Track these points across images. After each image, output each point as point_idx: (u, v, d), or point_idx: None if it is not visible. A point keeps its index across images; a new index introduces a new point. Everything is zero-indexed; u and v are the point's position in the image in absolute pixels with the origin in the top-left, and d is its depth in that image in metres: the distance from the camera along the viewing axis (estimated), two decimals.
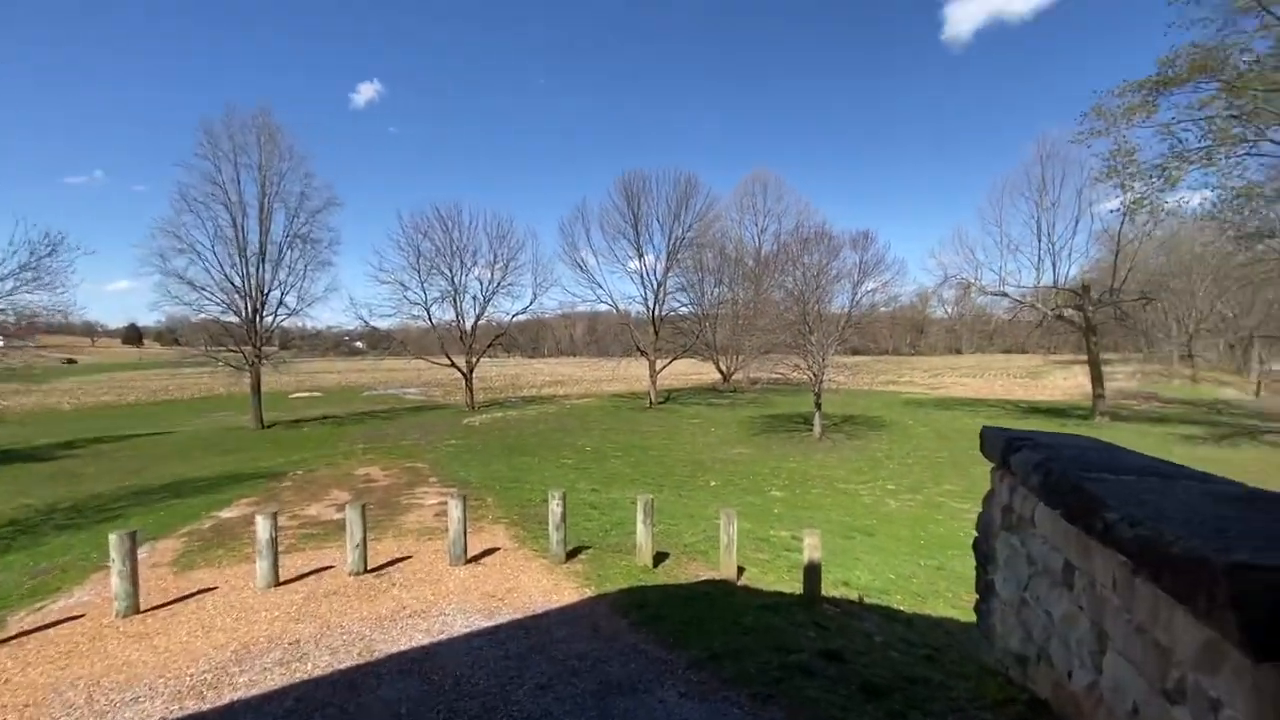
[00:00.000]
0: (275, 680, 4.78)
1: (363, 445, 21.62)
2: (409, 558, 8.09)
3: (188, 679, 4.91)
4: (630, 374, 47.55)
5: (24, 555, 9.19)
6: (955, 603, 8.52)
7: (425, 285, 36.04)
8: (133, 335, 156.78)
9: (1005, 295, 34.29)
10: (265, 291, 30.23)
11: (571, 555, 7.98)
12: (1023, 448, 3.81)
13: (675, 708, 4.03)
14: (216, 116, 29.54)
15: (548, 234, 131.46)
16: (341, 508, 10.28)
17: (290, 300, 31.16)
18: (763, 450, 22.48)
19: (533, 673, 4.64)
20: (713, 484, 16.97)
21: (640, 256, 39.62)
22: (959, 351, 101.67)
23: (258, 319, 30.13)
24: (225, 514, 11.36)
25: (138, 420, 33.83)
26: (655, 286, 39.23)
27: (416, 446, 21.04)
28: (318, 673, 4.87)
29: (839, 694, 3.96)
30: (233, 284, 29.38)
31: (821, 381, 24.68)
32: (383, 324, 37.38)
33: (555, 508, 7.80)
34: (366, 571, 7.47)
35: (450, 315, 37.16)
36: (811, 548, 6.68)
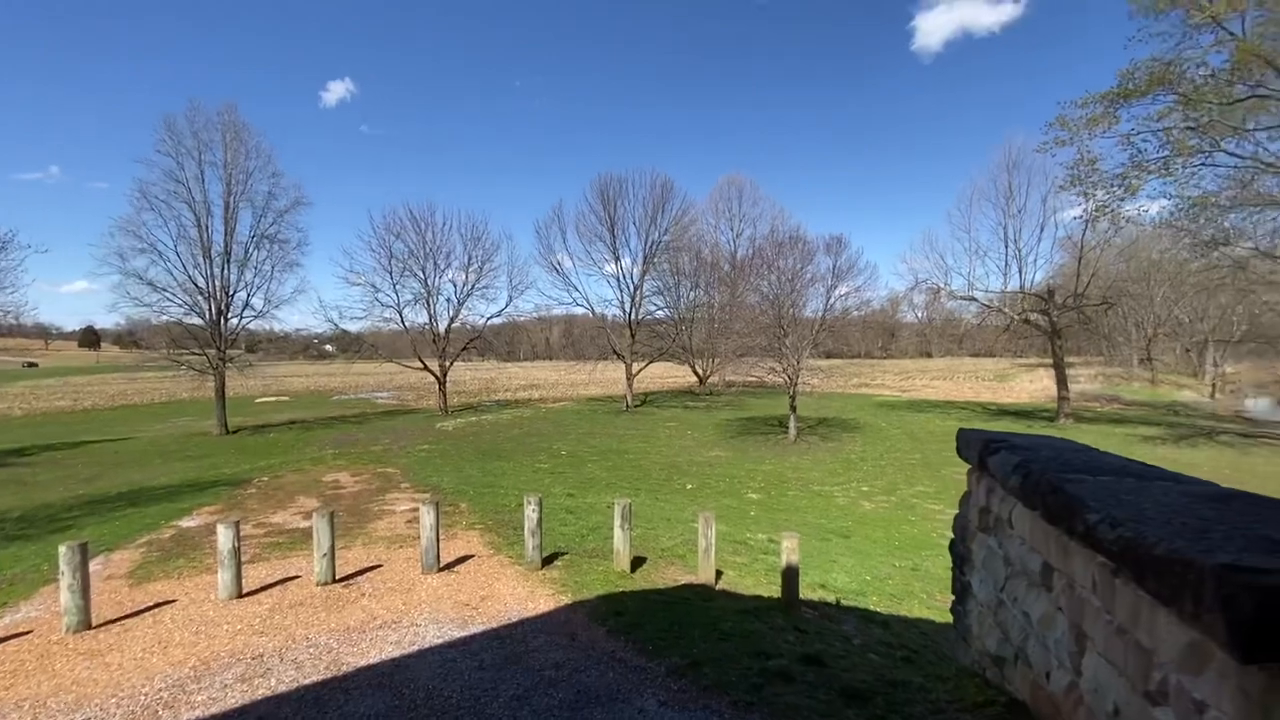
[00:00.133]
0: (236, 698, 4.57)
1: (332, 450, 21.11)
2: (379, 566, 7.87)
3: (142, 698, 4.67)
4: (607, 377, 47.43)
5: None
6: (930, 604, 8.59)
7: (397, 287, 35.53)
8: (90, 338, 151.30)
9: (974, 300, 35.06)
10: (230, 293, 29.45)
11: (547, 561, 7.84)
12: (1000, 449, 3.82)
13: (655, 717, 3.95)
14: (180, 112, 28.73)
15: (523, 237, 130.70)
16: (309, 515, 9.98)
17: (257, 302, 30.46)
18: (739, 453, 22.55)
19: (508, 684, 4.51)
20: (689, 487, 16.94)
21: (617, 260, 39.63)
22: (929, 355, 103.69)
23: (222, 321, 29.30)
24: (186, 523, 10.94)
25: (94, 426, 32.60)
26: (632, 290, 39.27)
27: (388, 452, 20.62)
28: (282, 688, 4.67)
29: (820, 699, 3.92)
30: (196, 285, 28.56)
31: (796, 384, 24.88)
32: (353, 327, 36.72)
33: (531, 513, 7.66)
34: (335, 581, 7.23)
35: (423, 318, 36.68)
36: (790, 551, 6.65)
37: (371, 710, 4.26)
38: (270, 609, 6.48)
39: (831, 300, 26.78)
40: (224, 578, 6.88)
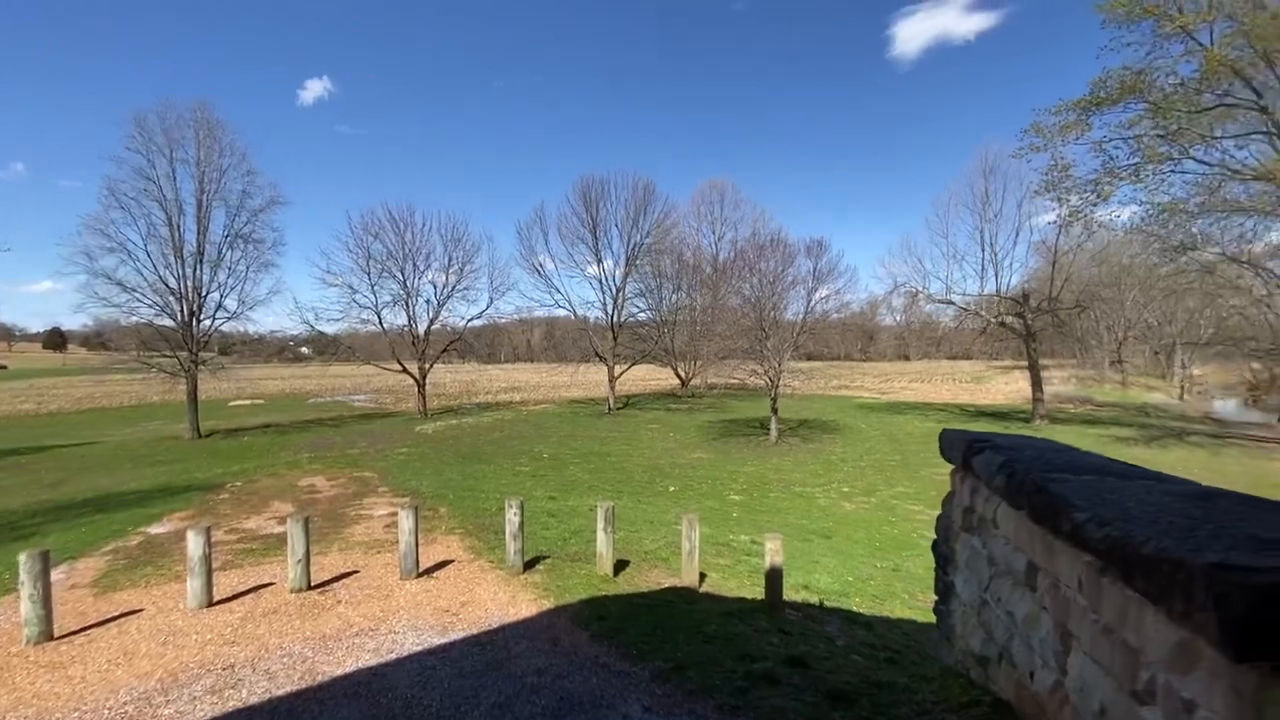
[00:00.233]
0: (205, 710, 4.41)
1: (308, 454, 20.72)
2: (356, 572, 7.70)
3: (106, 713, 4.48)
4: (589, 380, 47.26)
5: None
6: (911, 604, 8.63)
7: (376, 288, 34.98)
8: (55, 339, 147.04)
9: (951, 303, 35.58)
10: (203, 293, 28.78)
11: (529, 565, 7.74)
12: (985, 449, 3.82)
13: None
14: (150, 109, 28.06)
15: (504, 238, 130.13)
16: (283, 520, 9.74)
17: (230, 303, 29.80)
18: (721, 455, 22.58)
19: (489, 692, 4.41)
20: (672, 489, 16.91)
21: (599, 262, 39.54)
22: (907, 357, 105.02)
23: (194, 322, 28.63)
24: (155, 529, 10.63)
25: (60, 430, 31.65)
26: (614, 292, 39.19)
27: (365, 455, 20.29)
28: (254, 700, 4.52)
29: (806, 702, 3.89)
30: (167, 285, 27.88)
31: (778, 386, 25.00)
32: (330, 328, 36.08)
33: (512, 517, 7.55)
34: (310, 588, 7.06)
35: (402, 320, 36.19)
36: (773, 552, 6.63)
37: None
38: (242, 617, 6.29)
39: (812, 303, 27.02)
40: (194, 586, 6.68)
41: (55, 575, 7.93)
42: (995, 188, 33.69)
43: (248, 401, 45.92)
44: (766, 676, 4.29)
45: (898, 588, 9.48)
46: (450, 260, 36.61)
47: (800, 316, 26.91)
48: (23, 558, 5.88)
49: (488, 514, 11.02)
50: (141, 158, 27.02)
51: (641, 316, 42.99)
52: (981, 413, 34.92)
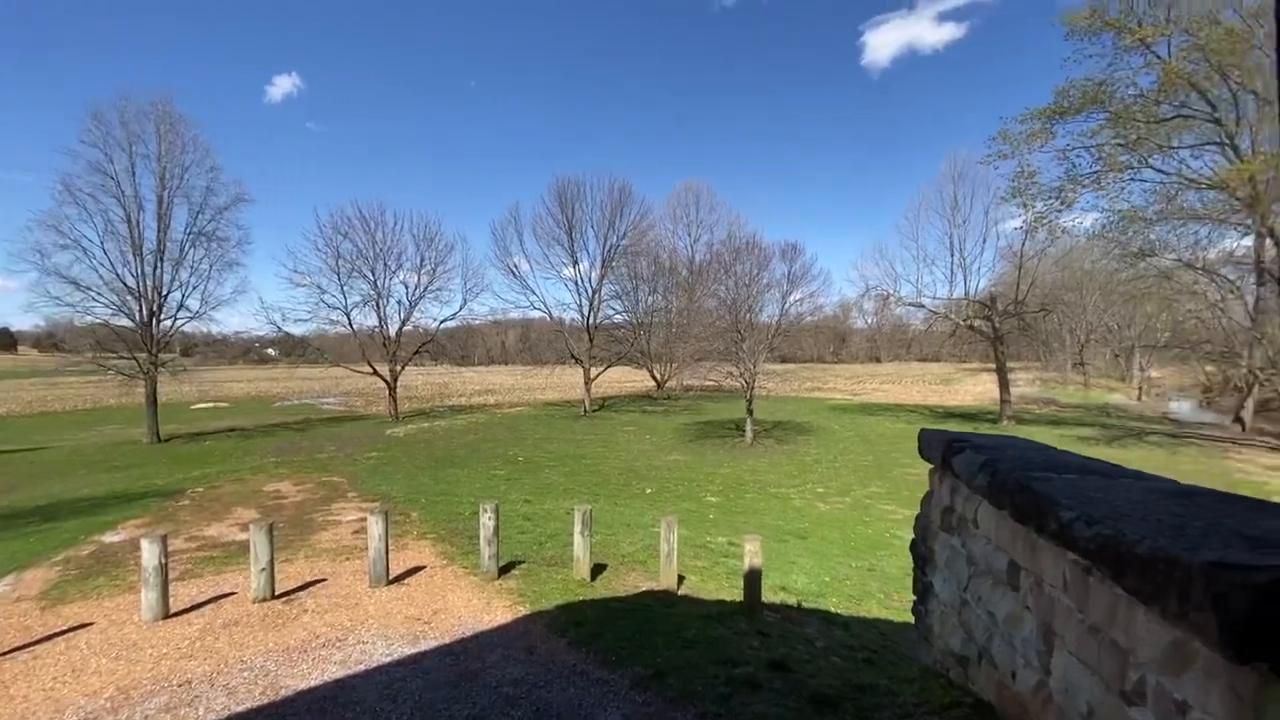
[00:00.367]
0: None
1: (273, 459, 20.15)
2: (323, 580, 7.44)
3: None
4: (564, 382, 46.99)
5: None
6: (887, 604, 8.68)
7: (345, 289, 34.27)
8: (4, 340, 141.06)
9: (922, 306, 36.27)
10: (163, 293, 27.84)
11: (504, 571, 7.56)
12: (965, 449, 3.80)
13: None
14: (109, 101, 27.07)
15: (479, 238, 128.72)
16: (247, 527, 9.40)
17: (192, 303, 28.88)
18: (697, 456, 22.58)
19: (462, 704, 4.25)
20: (648, 491, 16.83)
21: (575, 263, 39.33)
22: (878, 360, 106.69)
23: (154, 323, 27.66)
24: (109, 538, 10.17)
25: (9, 434, 30.26)
26: (590, 294, 39.01)
27: (334, 459, 19.80)
28: (211, 717, 4.30)
29: (789, 707, 3.82)
30: (125, 284, 26.88)
31: (753, 388, 25.12)
32: (298, 329, 35.26)
33: (487, 521, 7.37)
34: (274, 597, 6.79)
35: (373, 321, 35.51)
36: (752, 554, 6.58)
37: None
38: (201, 630, 6.01)
39: (787, 306, 27.23)
40: (148, 597, 6.37)
41: (0, 588, 7.53)
42: (964, 194, 34.49)
43: (211, 404, 44.60)
44: (748, 682, 4.22)
45: (873, 588, 9.52)
46: (422, 260, 36.10)
47: (775, 319, 27.09)
48: None
49: (461, 519, 10.80)
50: (99, 152, 26.06)
51: (617, 318, 42.93)
52: (950, 414, 35.58)
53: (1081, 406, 39.17)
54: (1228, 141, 21.25)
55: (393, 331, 35.64)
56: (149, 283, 27.38)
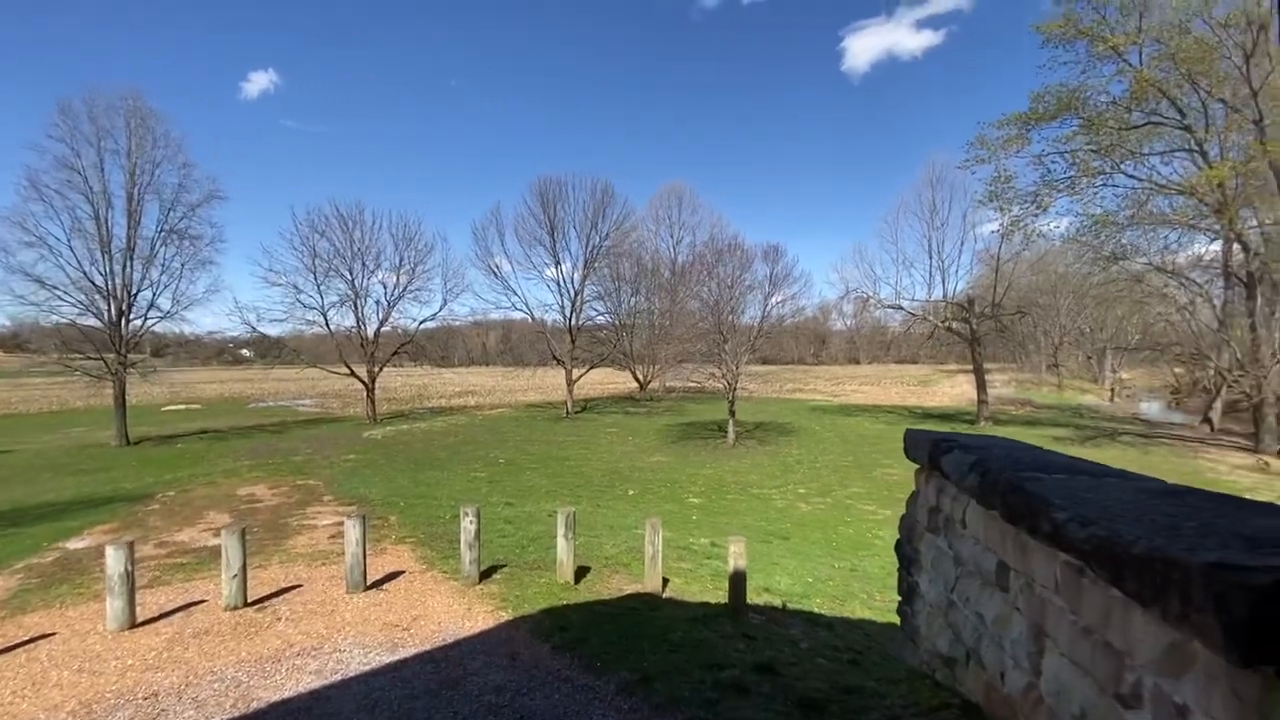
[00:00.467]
0: None
1: (248, 462, 19.71)
2: (299, 586, 7.24)
3: None
4: (546, 383, 46.75)
5: None
6: (870, 604, 8.70)
7: (322, 288, 33.73)
8: None
9: (900, 308, 36.71)
10: (133, 292, 27.15)
11: (485, 575, 7.43)
12: (953, 448, 3.78)
13: None
14: (77, 96, 26.34)
15: (459, 238, 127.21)
16: (219, 532, 9.13)
17: (163, 302, 28.22)
18: (680, 458, 22.56)
19: (443, 713, 4.13)
20: (631, 493, 16.75)
21: (557, 264, 39.16)
22: (857, 361, 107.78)
23: (123, 322, 26.95)
24: (74, 544, 9.83)
25: None
26: (572, 295, 38.85)
27: (310, 462, 19.43)
28: None
29: (777, 711, 3.77)
30: (93, 283, 26.16)
31: (735, 389, 25.19)
32: (273, 330, 34.54)
33: (468, 525, 7.23)
34: (246, 605, 6.58)
35: (350, 321, 34.99)
36: (737, 556, 6.54)
37: None
38: (169, 640, 5.80)
39: (768, 307, 27.35)
40: (114, 606, 6.13)
41: None
42: (942, 198, 35.00)
43: (183, 406, 43.60)
44: (735, 685, 4.16)
45: (856, 588, 9.55)
46: (402, 260, 35.68)
47: (757, 321, 27.20)
48: None
49: (441, 522, 10.62)
50: (66, 147, 25.37)
51: (600, 320, 42.84)
52: (929, 414, 36.02)
53: (1056, 407, 39.92)
54: (1197, 148, 21.81)
55: (371, 332, 35.18)
56: (118, 281, 26.70)
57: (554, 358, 38.79)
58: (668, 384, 44.61)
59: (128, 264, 26.84)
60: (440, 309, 37.73)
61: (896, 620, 4.68)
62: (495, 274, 39.28)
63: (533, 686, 4.44)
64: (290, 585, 7.31)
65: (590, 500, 15.19)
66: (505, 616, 6.06)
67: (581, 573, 7.63)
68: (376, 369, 35.02)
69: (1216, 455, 23.19)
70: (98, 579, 7.59)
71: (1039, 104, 23.64)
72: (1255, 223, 22.17)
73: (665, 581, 7.43)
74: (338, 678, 4.79)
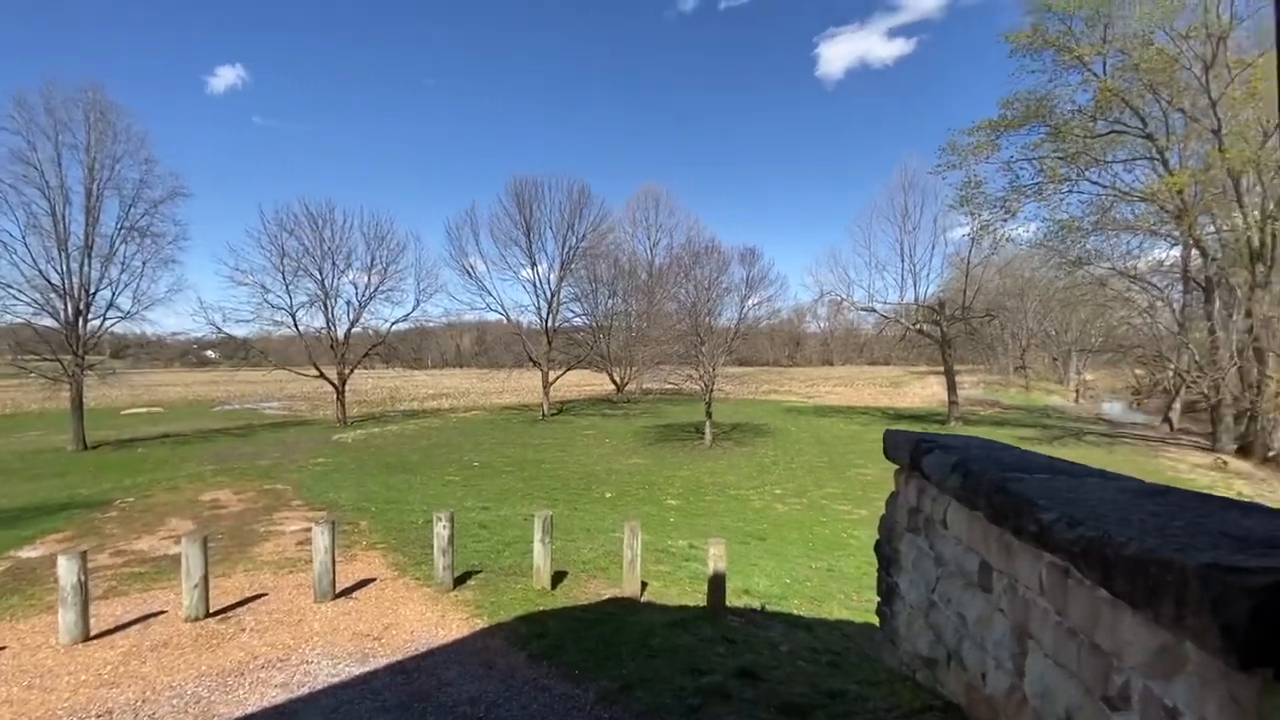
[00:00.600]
0: None
1: (212, 466, 19.13)
2: (263, 595, 6.99)
3: None
4: (522, 385, 46.27)
5: None
6: (847, 604, 8.73)
7: (291, 288, 32.96)
8: None
9: (873, 311, 37.23)
10: (91, 291, 26.19)
11: (459, 581, 7.26)
12: (934, 449, 3.78)
13: None
14: (34, 87, 25.36)
15: (433, 238, 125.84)
16: (180, 540, 8.81)
17: (123, 302, 27.27)
18: (657, 460, 22.51)
19: None
20: (608, 496, 16.64)
21: (533, 265, 38.86)
22: (831, 363, 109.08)
23: (81, 322, 26.00)
24: (26, 553, 9.40)
25: None
26: (549, 296, 38.58)
27: (278, 466, 18.92)
28: None
29: (759, 717, 3.72)
30: (49, 281, 25.20)
31: (712, 391, 25.25)
32: (239, 331, 33.62)
33: (441, 530, 7.06)
34: (208, 615, 6.32)
35: (320, 322, 34.28)
36: (716, 558, 6.49)
37: None
38: (125, 653, 5.54)
39: (745, 310, 27.49)
40: (66, 618, 5.84)
41: None
42: (914, 202, 35.61)
43: (144, 409, 42.22)
44: (717, 691, 4.10)
45: (833, 588, 9.58)
46: (373, 260, 35.07)
47: (734, 323, 27.32)
48: None
49: (414, 527, 10.39)
50: (21, 140, 24.39)
51: (577, 321, 42.62)
52: (901, 415, 36.54)
53: (1023, 408, 40.83)
54: (1158, 157, 22.53)
55: (341, 333, 34.49)
56: (75, 280, 25.74)
57: (530, 359, 38.48)
58: (645, 386, 44.56)
59: (86, 262, 25.91)
60: (413, 310, 37.25)
61: (874, 620, 4.67)
62: (470, 274, 38.90)
63: (509, 696, 4.32)
64: (255, 594, 7.05)
65: (567, 503, 15.04)
66: (480, 624, 5.91)
67: (559, 577, 7.50)
68: (347, 371, 34.34)
69: (1176, 454, 23.92)
70: (51, 589, 7.24)
71: (1008, 110, 24.21)
72: (1213, 229, 22.99)
73: (644, 585, 7.35)
74: (305, 691, 4.61)
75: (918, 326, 35.79)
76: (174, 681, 4.91)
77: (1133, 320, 29.39)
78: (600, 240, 40.98)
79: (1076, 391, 50.65)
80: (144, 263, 27.35)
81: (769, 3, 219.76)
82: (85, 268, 25.91)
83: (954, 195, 27.45)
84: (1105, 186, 23.94)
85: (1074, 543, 2.20)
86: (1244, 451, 23.62)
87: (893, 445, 4.36)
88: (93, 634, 5.95)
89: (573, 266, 39.24)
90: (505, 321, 40.59)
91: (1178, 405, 31.74)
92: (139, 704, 4.56)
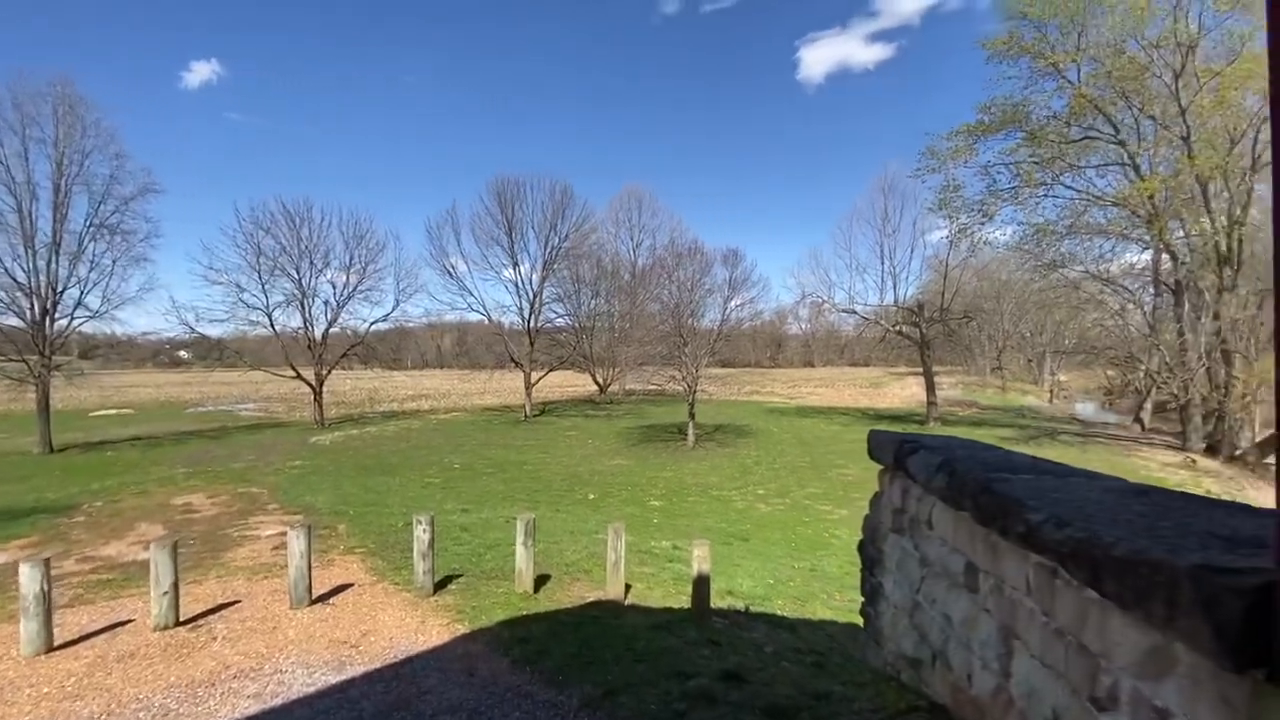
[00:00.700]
0: None
1: (184, 469, 18.69)
2: (237, 602, 6.81)
3: None
4: (504, 386, 45.94)
5: None
6: (830, 604, 8.76)
7: (267, 288, 32.31)
8: None
9: (854, 312, 37.59)
10: (59, 289, 25.48)
11: (440, 586, 7.14)
12: (919, 449, 3.77)
13: None
14: (0, 81, 24.63)
15: (413, 238, 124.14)
16: (150, 545, 8.56)
17: (92, 301, 26.55)
18: (640, 461, 22.47)
19: None
20: (591, 497, 16.56)
21: (515, 265, 38.58)
22: (812, 364, 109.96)
23: (48, 322, 25.28)
24: None
25: None
26: (531, 296, 38.33)
27: (253, 469, 18.55)
28: None
29: None
30: (14, 279, 24.47)
31: (695, 392, 25.28)
32: (213, 331, 32.90)
33: (421, 534, 6.94)
34: (178, 624, 6.13)
35: (297, 322, 33.65)
36: (700, 560, 6.45)
37: None
38: (91, 664, 5.35)
39: (728, 311, 27.56)
40: (28, 628, 5.62)
41: None
42: (894, 205, 36.02)
43: (114, 411, 41.15)
44: (703, 695, 4.05)
45: (816, 588, 9.61)
46: (352, 259, 34.53)
47: (716, 324, 27.38)
48: None
49: (393, 531, 10.22)
50: None
51: (559, 322, 42.40)
52: (881, 416, 36.91)
53: (1000, 408, 41.50)
54: (1130, 162, 23.05)
55: (318, 333, 33.92)
56: (42, 278, 25.03)
57: (512, 360, 38.19)
58: (628, 387, 44.50)
59: (53, 260, 25.21)
60: (393, 310, 36.74)
61: (857, 620, 4.66)
62: (451, 274, 38.50)
63: (491, 704, 4.23)
64: (228, 601, 6.87)
65: (549, 505, 14.93)
66: (461, 629, 5.81)
67: (541, 581, 7.42)
68: (325, 372, 33.79)
69: (1148, 453, 24.46)
70: (13, 598, 6.97)
71: (985, 115, 24.62)
72: (1182, 234, 23.58)
73: (628, 587, 7.29)
74: (279, 701, 4.47)
75: (897, 328, 36.19)
76: (141, 693, 4.74)
77: (1105, 322, 30.01)
78: (583, 240, 40.86)
79: (1051, 392, 51.65)
80: (114, 261, 26.72)
81: (751, 6, 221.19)
82: (53, 265, 25.23)
83: (933, 199, 27.90)
84: (1079, 191, 24.47)
85: (1062, 543, 2.19)
86: (1212, 450, 24.24)
87: (877, 446, 4.36)
88: (56, 644, 5.74)
89: (555, 267, 39.06)
90: (487, 322, 40.28)
91: (1148, 405, 32.51)
92: (103, 717, 4.39)
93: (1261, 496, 19.95)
